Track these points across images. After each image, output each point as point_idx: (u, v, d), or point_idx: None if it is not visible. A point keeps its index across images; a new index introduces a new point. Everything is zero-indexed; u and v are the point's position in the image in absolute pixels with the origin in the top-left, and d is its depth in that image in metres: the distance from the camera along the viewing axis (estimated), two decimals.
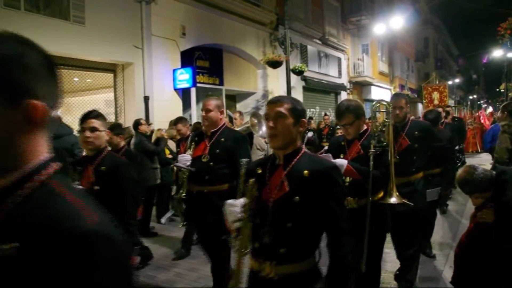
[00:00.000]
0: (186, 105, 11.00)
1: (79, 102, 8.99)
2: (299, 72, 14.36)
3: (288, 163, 1.93)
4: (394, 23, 18.22)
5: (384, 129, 3.24)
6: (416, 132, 3.88)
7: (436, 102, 13.57)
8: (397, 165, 3.49)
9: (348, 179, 3.03)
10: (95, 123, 2.89)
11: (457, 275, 2.84)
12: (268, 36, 14.02)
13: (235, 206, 1.92)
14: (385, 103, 3.31)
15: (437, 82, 18.86)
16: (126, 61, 9.20)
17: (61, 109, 8.31)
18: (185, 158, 3.64)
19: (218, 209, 2.89)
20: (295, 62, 14.47)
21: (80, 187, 2.73)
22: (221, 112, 3.71)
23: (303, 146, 2.03)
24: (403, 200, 3.08)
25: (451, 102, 42.25)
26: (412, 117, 4.29)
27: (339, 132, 9.42)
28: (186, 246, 5.46)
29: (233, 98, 13.68)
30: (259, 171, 2.00)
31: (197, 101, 11.61)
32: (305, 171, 1.86)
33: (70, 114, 8.86)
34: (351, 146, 3.18)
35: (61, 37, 7.56)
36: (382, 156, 3.04)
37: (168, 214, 7.26)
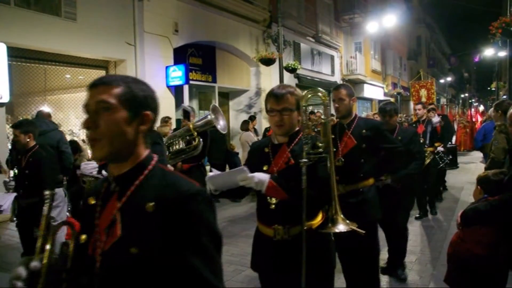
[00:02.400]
0: (179, 103, 10.95)
1: (71, 99, 8.92)
2: (292, 70, 14.35)
3: (125, 189, 1.22)
4: (387, 22, 18.27)
5: (320, 129, 2.41)
6: (364, 131, 3.32)
7: (424, 99, 13.56)
8: (342, 170, 3.14)
9: (274, 201, 2.24)
10: None
11: (450, 275, 2.85)
12: (261, 34, 13.99)
13: (17, 277, 1.14)
14: (320, 94, 2.36)
15: (428, 79, 18.91)
16: (118, 58, 9.13)
17: (52, 106, 8.26)
18: (91, 166, 3.00)
19: None
20: (288, 60, 14.46)
21: None
22: None
23: (155, 157, 1.31)
24: (353, 227, 2.25)
25: (443, 101, 42.66)
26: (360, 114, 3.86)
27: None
28: None
29: (226, 96, 13.65)
30: (92, 202, 1.28)
31: (190, 99, 11.59)
32: (149, 204, 1.15)
33: (62, 111, 8.80)
34: (277, 153, 2.32)
35: (52, 33, 7.47)
36: (318, 168, 2.20)
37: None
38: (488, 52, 24.85)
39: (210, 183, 2.17)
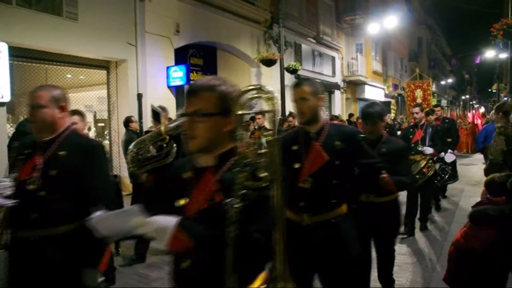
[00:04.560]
0: (180, 103, 10.96)
1: (72, 99, 8.88)
2: (293, 71, 14.37)
3: None
4: (388, 23, 18.31)
5: (264, 149, 1.40)
6: (338, 142, 2.53)
7: (419, 100, 13.22)
8: (309, 194, 2.48)
9: (187, 263, 1.50)
10: None
11: (450, 274, 2.85)
12: (263, 35, 14.00)
13: None
14: (268, 94, 1.35)
15: (425, 79, 18.84)
16: (119, 58, 9.14)
17: None
18: (2, 185, 2.24)
19: (54, 268, 2.12)
20: (289, 61, 14.48)
21: None
22: (62, 108, 2.36)
23: None
24: None
25: (443, 102, 42.64)
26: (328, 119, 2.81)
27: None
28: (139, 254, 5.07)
29: None
30: None
31: None
32: None
33: None
34: (199, 183, 1.54)
35: (54, 33, 7.48)
36: (257, 211, 1.38)
37: None
38: (489, 53, 24.91)
39: (101, 229, 1.58)
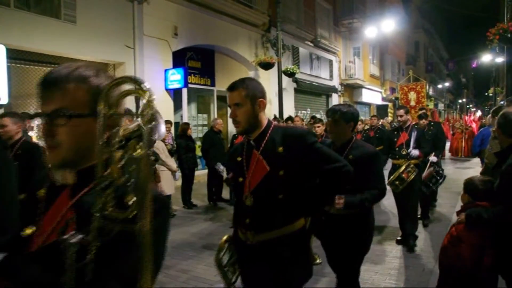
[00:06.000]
0: (177, 106, 10.97)
1: None
2: (290, 74, 14.42)
3: None
4: (385, 27, 18.37)
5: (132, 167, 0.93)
6: (280, 148, 2.10)
7: (412, 103, 12.94)
8: (252, 211, 2.15)
9: None
10: None
11: (442, 280, 2.86)
12: (260, 38, 14.04)
13: None
14: (143, 90, 0.97)
15: (426, 81, 18.83)
16: (117, 61, 9.15)
17: None
18: None
19: None
20: (287, 64, 14.52)
21: None
22: None
23: None
24: None
25: (440, 106, 42.79)
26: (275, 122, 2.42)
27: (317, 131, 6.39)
28: None
29: (224, 100, 13.65)
30: None
31: (188, 102, 11.60)
32: None
33: None
34: (52, 207, 1.11)
35: (52, 35, 7.49)
36: (117, 250, 0.96)
37: None
38: (486, 57, 25.06)
39: None
